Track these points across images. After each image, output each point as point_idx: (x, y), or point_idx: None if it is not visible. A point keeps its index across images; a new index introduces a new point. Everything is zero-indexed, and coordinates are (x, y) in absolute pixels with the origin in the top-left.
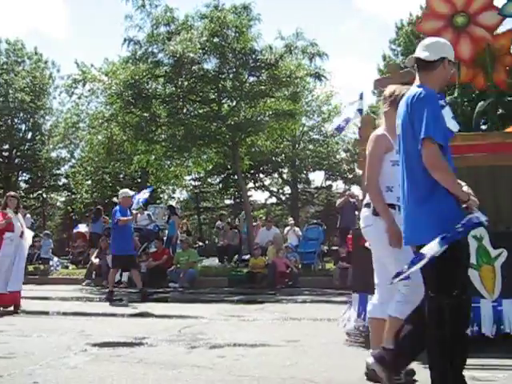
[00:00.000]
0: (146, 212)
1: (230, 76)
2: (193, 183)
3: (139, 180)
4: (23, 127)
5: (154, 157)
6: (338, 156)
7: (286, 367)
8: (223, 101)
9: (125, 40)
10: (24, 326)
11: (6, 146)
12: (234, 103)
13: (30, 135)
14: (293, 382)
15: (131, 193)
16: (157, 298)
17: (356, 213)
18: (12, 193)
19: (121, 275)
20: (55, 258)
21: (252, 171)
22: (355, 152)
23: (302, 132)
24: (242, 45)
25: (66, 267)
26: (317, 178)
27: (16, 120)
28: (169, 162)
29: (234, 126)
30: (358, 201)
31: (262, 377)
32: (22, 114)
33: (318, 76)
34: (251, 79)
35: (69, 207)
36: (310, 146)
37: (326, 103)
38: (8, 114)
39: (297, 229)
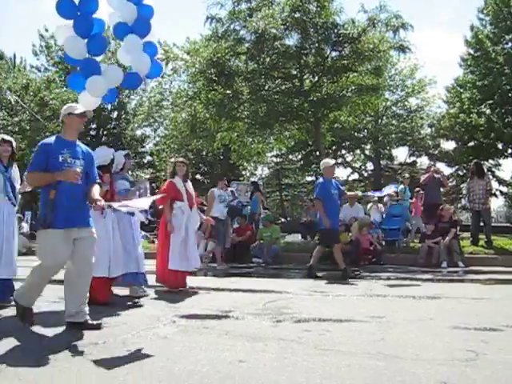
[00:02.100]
0: (229, 188)
1: (312, 51)
2: (274, 160)
3: (222, 157)
4: (109, 107)
5: (236, 134)
6: (422, 131)
7: (372, 343)
8: (305, 76)
9: (207, 18)
10: (115, 298)
11: (94, 126)
12: (316, 79)
13: (115, 114)
14: (379, 358)
15: (332, 161)
16: (241, 273)
17: (441, 189)
18: (181, 159)
19: (205, 250)
20: (142, 233)
21: (334, 147)
22: (440, 127)
23: (384, 107)
24: (324, 19)
25: (153, 242)
26: (400, 153)
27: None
28: (251, 139)
29: (317, 102)
30: (442, 177)
31: (349, 351)
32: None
33: (402, 49)
34: (333, 54)
35: (153, 184)
36: (394, 122)
37: (410, 77)
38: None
39: (380, 205)
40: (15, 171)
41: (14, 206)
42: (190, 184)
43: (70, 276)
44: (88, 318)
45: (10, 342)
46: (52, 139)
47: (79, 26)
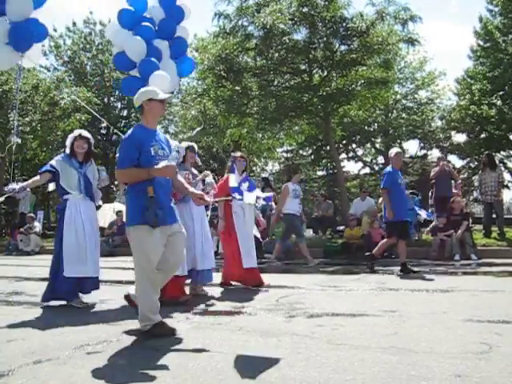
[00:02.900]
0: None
1: (321, 45)
2: (285, 155)
3: (232, 153)
4: (119, 105)
5: (246, 130)
6: (433, 124)
7: (385, 336)
8: (314, 71)
9: (215, 14)
10: None
11: (104, 124)
12: (325, 73)
13: (125, 113)
14: (392, 352)
15: (399, 150)
16: None
17: (452, 182)
18: (239, 153)
19: (217, 246)
20: None
21: (344, 142)
22: (451, 119)
23: (394, 100)
24: (332, 13)
25: None
26: (411, 147)
27: (112, 98)
28: (261, 135)
29: (326, 97)
30: (451, 170)
31: (362, 346)
32: (117, 93)
33: (411, 41)
34: (342, 48)
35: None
36: (404, 115)
37: (420, 69)
38: (104, 93)
39: None
40: (93, 168)
41: (92, 202)
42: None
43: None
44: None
45: (25, 341)
46: (136, 130)
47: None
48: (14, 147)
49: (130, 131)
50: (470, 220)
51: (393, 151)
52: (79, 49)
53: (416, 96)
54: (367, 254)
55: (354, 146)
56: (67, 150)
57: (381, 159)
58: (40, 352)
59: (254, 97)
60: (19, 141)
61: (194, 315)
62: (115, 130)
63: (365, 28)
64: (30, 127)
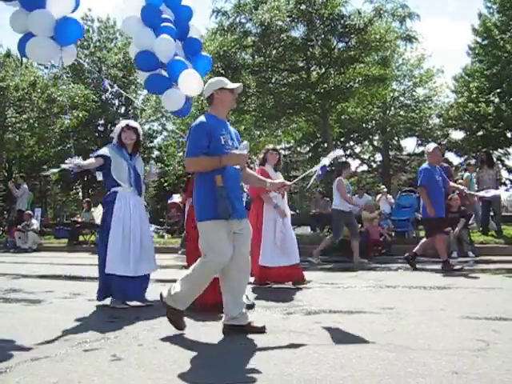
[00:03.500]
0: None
1: (319, 43)
2: (282, 152)
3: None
4: (116, 102)
5: (243, 127)
6: (430, 121)
7: (383, 334)
8: (312, 68)
9: (213, 11)
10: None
11: (102, 121)
12: (323, 70)
13: (123, 110)
14: (390, 349)
15: (434, 145)
16: None
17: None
18: (272, 145)
19: None
20: (152, 227)
21: (342, 139)
22: (448, 116)
23: (392, 97)
24: (330, 10)
25: (162, 237)
26: (409, 144)
27: (110, 95)
28: (259, 132)
29: (324, 94)
30: (449, 166)
31: (359, 343)
32: (115, 89)
33: (408, 39)
34: (340, 45)
35: (162, 179)
36: (401, 112)
37: (418, 67)
38: (102, 90)
39: (389, 196)
40: (140, 160)
41: (140, 196)
42: (279, 174)
43: (230, 273)
44: (250, 320)
45: (23, 338)
46: (207, 118)
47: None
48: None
49: (199, 119)
50: (471, 217)
51: (430, 147)
52: (77, 46)
53: (414, 93)
54: (407, 255)
55: (351, 143)
56: (114, 141)
57: (378, 156)
58: (37, 349)
59: (252, 94)
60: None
61: (194, 312)
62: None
63: (363, 25)
64: (28, 124)
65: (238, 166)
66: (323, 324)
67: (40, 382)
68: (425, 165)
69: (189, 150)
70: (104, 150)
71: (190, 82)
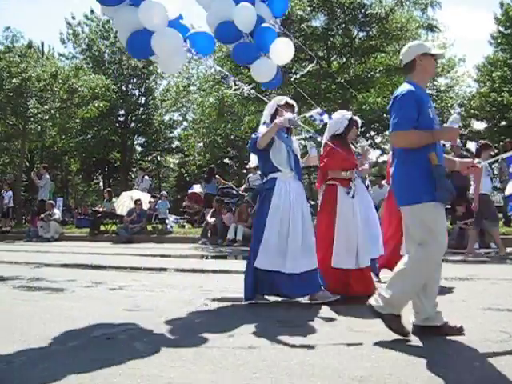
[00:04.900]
0: (258, 172)
1: (339, 32)
2: (303, 143)
3: (250, 141)
4: (137, 92)
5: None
6: (452, 111)
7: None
8: (332, 58)
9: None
10: (147, 282)
11: (122, 112)
12: (344, 60)
13: (143, 100)
14: (411, 339)
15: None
16: None
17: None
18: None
19: (235, 233)
20: (172, 217)
21: (363, 129)
22: (471, 106)
23: None
24: None
25: (183, 226)
26: None
27: (130, 86)
28: None
29: (344, 84)
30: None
31: (380, 332)
32: (135, 80)
33: (430, 27)
34: (361, 35)
35: (182, 169)
36: None
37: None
38: (122, 81)
39: None
40: (295, 140)
41: (300, 181)
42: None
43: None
44: (445, 319)
45: (45, 326)
46: (413, 87)
47: None
48: None
49: (406, 87)
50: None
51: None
52: (97, 36)
53: (435, 83)
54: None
55: (372, 133)
56: (266, 120)
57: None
58: (59, 338)
59: None
60: None
61: (213, 302)
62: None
63: (384, 14)
64: (49, 115)
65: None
66: (343, 313)
67: (65, 368)
68: None
69: (398, 122)
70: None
71: (282, 52)
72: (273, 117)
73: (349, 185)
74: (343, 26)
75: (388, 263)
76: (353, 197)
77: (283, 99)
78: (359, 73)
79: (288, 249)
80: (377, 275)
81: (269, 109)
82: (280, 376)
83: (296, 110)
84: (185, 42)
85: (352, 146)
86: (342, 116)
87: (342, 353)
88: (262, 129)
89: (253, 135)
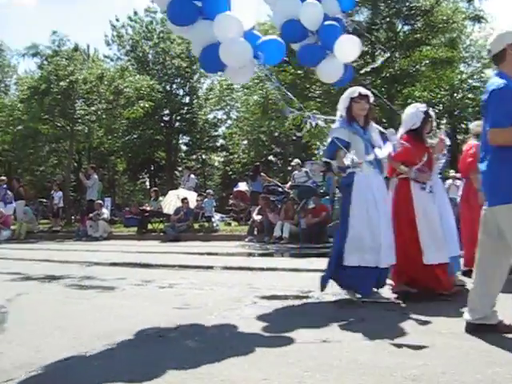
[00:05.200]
0: (303, 169)
1: (383, 26)
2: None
3: (294, 138)
4: (181, 92)
5: (307, 113)
6: None
7: (456, 322)
8: (377, 53)
9: None
10: (196, 280)
11: (167, 111)
12: (389, 54)
13: (187, 99)
14: (465, 337)
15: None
16: (317, 254)
17: None
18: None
19: (282, 231)
20: (218, 216)
21: None
22: None
23: (460, 80)
24: None
25: (229, 224)
26: None
27: (174, 86)
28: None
29: (389, 78)
30: None
31: (434, 331)
32: (179, 80)
33: (477, 19)
34: (405, 28)
35: (227, 167)
36: (470, 95)
37: (486, 48)
38: (167, 81)
39: (458, 182)
40: (374, 129)
41: (382, 174)
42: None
43: (502, 266)
44: (500, 318)
45: (98, 324)
46: (506, 79)
47: None
48: None
49: (499, 81)
50: None
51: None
52: (141, 38)
53: (482, 75)
54: None
55: None
56: (342, 114)
57: (446, 141)
58: (112, 335)
59: (317, 80)
60: None
61: (262, 299)
62: None
63: (429, 6)
64: (96, 116)
65: None
66: (396, 312)
67: (119, 366)
68: None
69: (497, 118)
70: (336, 138)
71: (348, 49)
72: (348, 110)
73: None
74: (387, 19)
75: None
76: (430, 192)
77: (356, 91)
78: (404, 67)
79: (376, 244)
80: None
81: (343, 102)
82: (331, 374)
83: (372, 99)
84: (256, 57)
85: (428, 139)
86: (416, 109)
87: (395, 351)
88: (337, 133)
89: (330, 137)
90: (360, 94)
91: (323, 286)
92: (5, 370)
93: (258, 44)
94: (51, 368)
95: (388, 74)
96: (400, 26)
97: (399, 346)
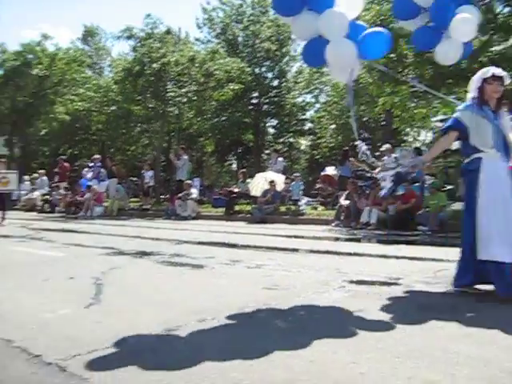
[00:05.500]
0: (392, 155)
1: (481, 8)
2: (439, 125)
3: (383, 123)
4: (270, 75)
5: (399, 98)
6: None
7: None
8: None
9: None
10: (283, 261)
11: (256, 94)
12: (487, 37)
13: (276, 82)
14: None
15: None
16: (406, 241)
17: None
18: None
19: (369, 216)
20: (305, 199)
21: (506, 109)
22: None
23: None
24: None
25: (315, 208)
26: None
27: (263, 69)
28: (414, 104)
29: (487, 63)
30: None
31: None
32: (268, 63)
33: None
34: (505, 10)
35: (314, 151)
36: None
37: None
38: (256, 63)
39: None
40: (505, 115)
41: (509, 161)
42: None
43: None
44: None
45: (188, 301)
46: None
47: None
48: None
49: None
50: None
51: None
52: (231, 21)
53: None
54: None
55: None
56: (473, 94)
57: None
58: (203, 312)
59: (410, 64)
60: None
61: (350, 284)
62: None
63: None
64: (187, 98)
65: None
66: (488, 304)
67: (208, 343)
68: None
69: None
70: (456, 118)
71: (465, 29)
72: (480, 91)
73: None
74: (485, 1)
75: None
76: None
77: (489, 71)
78: (503, 50)
79: (505, 236)
80: None
81: (475, 82)
82: (422, 362)
83: (508, 81)
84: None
85: None
86: None
87: (489, 343)
88: (459, 114)
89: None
90: (494, 75)
91: (462, 286)
92: (99, 340)
93: (361, 38)
94: (143, 339)
95: (485, 58)
96: (499, 8)
97: (493, 338)
